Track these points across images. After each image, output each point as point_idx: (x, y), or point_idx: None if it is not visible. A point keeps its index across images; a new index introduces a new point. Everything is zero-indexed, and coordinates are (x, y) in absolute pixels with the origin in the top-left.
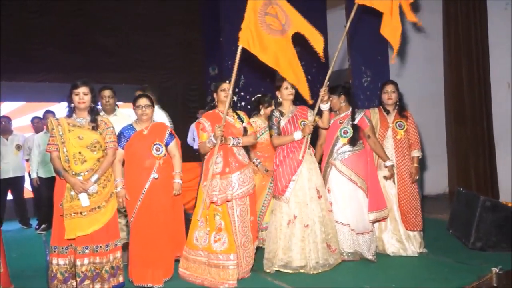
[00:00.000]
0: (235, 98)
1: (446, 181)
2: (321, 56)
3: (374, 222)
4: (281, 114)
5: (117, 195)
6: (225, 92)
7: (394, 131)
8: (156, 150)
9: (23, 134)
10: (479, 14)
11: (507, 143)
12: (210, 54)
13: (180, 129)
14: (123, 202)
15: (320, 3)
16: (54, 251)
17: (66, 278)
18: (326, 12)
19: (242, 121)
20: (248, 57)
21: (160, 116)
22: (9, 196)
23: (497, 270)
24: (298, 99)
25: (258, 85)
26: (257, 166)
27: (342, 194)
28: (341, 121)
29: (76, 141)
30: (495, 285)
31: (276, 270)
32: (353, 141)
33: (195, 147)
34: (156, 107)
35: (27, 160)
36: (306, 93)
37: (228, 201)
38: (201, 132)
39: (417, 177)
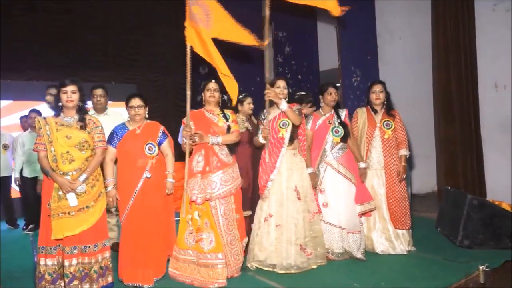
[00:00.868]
0: (226, 97)
1: (435, 180)
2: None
3: (361, 215)
4: (266, 113)
5: (107, 195)
6: (210, 92)
7: (381, 131)
8: (149, 149)
9: (10, 133)
10: (467, 15)
11: (495, 143)
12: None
13: (171, 128)
14: (113, 202)
15: None
16: (42, 252)
17: (54, 279)
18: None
19: (227, 119)
20: (238, 56)
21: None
22: None
23: (484, 268)
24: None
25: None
26: None
27: (336, 194)
28: (329, 121)
29: (64, 141)
30: (482, 282)
31: (255, 266)
32: (345, 139)
33: None
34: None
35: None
36: (234, 94)
37: (208, 200)
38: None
39: (405, 176)
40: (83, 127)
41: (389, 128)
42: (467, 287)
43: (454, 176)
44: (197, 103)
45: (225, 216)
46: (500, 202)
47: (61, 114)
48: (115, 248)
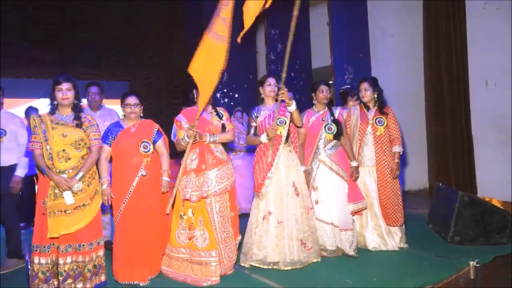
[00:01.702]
0: (218, 95)
1: (426, 177)
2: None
3: (353, 213)
4: (259, 111)
5: (102, 193)
6: None
7: (374, 128)
8: (144, 147)
9: None
10: (458, 14)
11: (485, 140)
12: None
13: (164, 126)
14: (108, 200)
15: (303, 1)
16: (36, 250)
17: (47, 277)
18: (309, 9)
19: (220, 117)
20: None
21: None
22: None
23: (475, 264)
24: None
25: (241, 82)
26: None
27: (329, 191)
28: (323, 118)
29: (59, 139)
30: (472, 278)
31: (251, 265)
32: (337, 136)
33: None
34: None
35: None
36: (202, 103)
37: (204, 198)
38: (178, 130)
39: (398, 172)
40: (79, 125)
41: (381, 125)
42: (458, 283)
43: (446, 173)
44: (190, 101)
45: (220, 213)
46: (490, 198)
47: (56, 112)
48: (107, 246)
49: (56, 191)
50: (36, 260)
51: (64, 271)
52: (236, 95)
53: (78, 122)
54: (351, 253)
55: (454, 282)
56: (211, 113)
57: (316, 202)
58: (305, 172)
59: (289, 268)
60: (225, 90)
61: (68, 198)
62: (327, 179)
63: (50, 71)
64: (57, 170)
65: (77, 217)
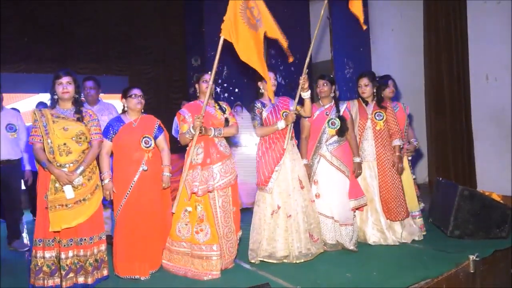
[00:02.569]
0: (218, 89)
1: (426, 171)
2: (289, 57)
3: (354, 209)
4: (263, 105)
5: (104, 188)
6: (206, 83)
7: (373, 122)
8: (145, 143)
9: None
10: (459, 8)
11: (485, 134)
12: (192, 44)
13: (164, 121)
14: (110, 194)
15: None
16: (39, 244)
17: (53, 271)
18: (309, 3)
19: (223, 112)
20: (231, 48)
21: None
22: None
23: (474, 257)
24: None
25: (241, 76)
26: None
27: (329, 186)
28: (327, 113)
29: (60, 133)
30: (472, 271)
31: (261, 261)
32: (341, 132)
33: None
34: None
35: None
36: (269, 90)
37: (210, 192)
38: (182, 123)
39: (401, 166)
40: (79, 119)
41: (380, 119)
42: (458, 277)
43: (446, 167)
44: (191, 96)
45: (223, 208)
46: (490, 192)
47: (57, 106)
48: (108, 241)
49: (57, 185)
50: (39, 254)
51: (66, 265)
52: (236, 90)
53: (79, 116)
54: (351, 247)
55: (454, 276)
56: (215, 107)
57: (317, 196)
58: (307, 165)
59: (301, 260)
60: (225, 85)
61: (69, 192)
62: (328, 174)
63: (50, 66)
64: (58, 164)
65: (78, 211)
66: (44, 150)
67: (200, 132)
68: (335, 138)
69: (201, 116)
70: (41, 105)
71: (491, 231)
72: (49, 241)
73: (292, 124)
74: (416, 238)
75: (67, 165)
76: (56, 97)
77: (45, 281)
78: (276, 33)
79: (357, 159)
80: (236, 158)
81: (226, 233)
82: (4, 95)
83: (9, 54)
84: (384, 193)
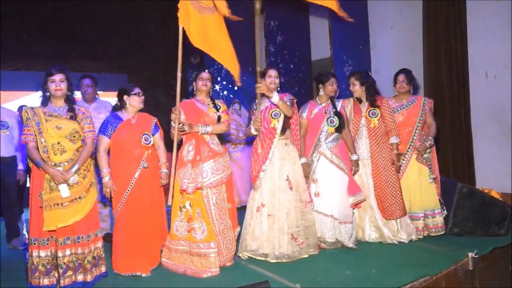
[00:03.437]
0: (217, 87)
1: None
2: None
3: (353, 206)
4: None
5: (104, 186)
6: (203, 81)
7: (367, 120)
8: (145, 139)
9: None
10: (458, 5)
11: (485, 132)
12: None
13: (162, 119)
14: (111, 192)
15: None
16: (34, 244)
17: (48, 270)
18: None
19: (217, 109)
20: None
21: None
22: None
23: (473, 255)
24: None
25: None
26: None
27: (329, 184)
28: (325, 111)
29: (54, 131)
30: (471, 269)
31: (247, 256)
32: (339, 129)
33: None
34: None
35: None
36: (235, 73)
37: (199, 189)
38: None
39: (399, 164)
40: (73, 117)
41: (375, 117)
42: (457, 274)
43: (445, 165)
44: (191, 94)
45: (217, 205)
46: (489, 190)
47: (49, 104)
48: (107, 239)
49: (52, 184)
50: (35, 253)
51: (64, 263)
52: (236, 88)
53: (72, 114)
54: (350, 245)
55: (453, 273)
56: (208, 105)
57: (316, 194)
58: (306, 164)
59: (275, 261)
60: (224, 83)
61: (64, 191)
62: (328, 172)
63: (48, 63)
64: (53, 163)
65: (74, 210)
66: (38, 149)
67: (183, 129)
68: (334, 135)
69: (177, 110)
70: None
71: (490, 229)
72: (43, 240)
73: (281, 124)
74: (414, 237)
75: (61, 164)
76: (48, 94)
77: (41, 280)
78: (224, 9)
79: (355, 157)
80: (234, 156)
81: (222, 230)
82: (3, 92)
83: (8, 52)
84: (378, 191)
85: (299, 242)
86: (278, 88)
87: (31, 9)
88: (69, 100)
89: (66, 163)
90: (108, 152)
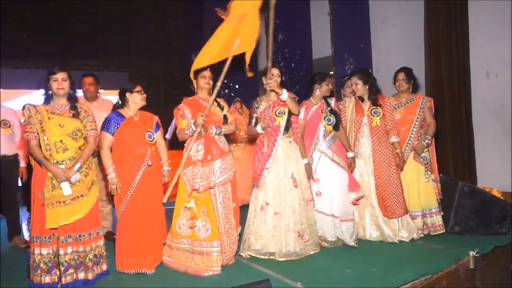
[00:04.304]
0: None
1: None
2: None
3: (354, 202)
4: (260, 102)
5: (110, 183)
6: (205, 79)
7: (369, 119)
8: (149, 137)
9: None
10: (460, 4)
11: (486, 130)
12: (192, 40)
13: (163, 117)
14: (117, 189)
15: None
16: (36, 241)
17: (49, 267)
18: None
19: (222, 109)
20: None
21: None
22: None
23: (474, 253)
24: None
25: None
26: None
27: (331, 182)
28: (322, 110)
29: (56, 129)
30: (472, 267)
31: (250, 255)
32: (336, 127)
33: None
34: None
35: None
36: (247, 59)
37: (211, 188)
38: (180, 119)
39: (401, 162)
40: (75, 115)
41: (377, 116)
42: (457, 273)
43: (445, 164)
44: (183, 92)
45: (223, 204)
46: (490, 189)
47: (51, 102)
48: (108, 237)
49: (54, 182)
50: (36, 251)
51: (65, 261)
52: (237, 86)
53: (75, 112)
54: (351, 243)
55: (454, 272)
56: (213, 104)
57: (318, 194)
58: (308, 165)
59: (284, 259)
60: (225, 81)
61: (66, 189)
62: (329, 170)
63: (49, 62)
64: (55, 161)
65: (76, 208)
66: (40, 147)
67: (199, 133)
68: (332, 134)
69: (205, 115)
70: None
71: (491, 227)
72: (45, 238)
73: (285, 121)
74: (415, 236)
75: (64, 162)
76: (50, 92)
77: (42, 278)
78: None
79: (351, 154)
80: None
81: (227, 229)
82: (3, 91)
83: (8, 50)
84: (380, 190)
85: (305, 239)
86: (265, 86)
87: (32, 8)
88: (72, 98)
89: (68, 161)
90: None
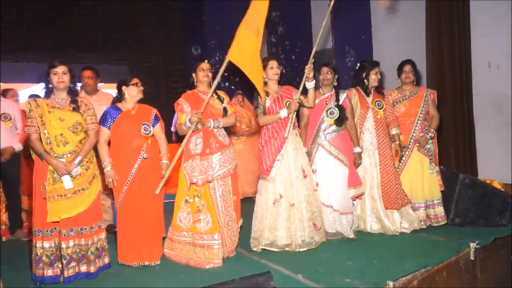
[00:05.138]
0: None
1: None
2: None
3: (354, 198)
4: (267, 94)
5: (106, 176)
6: (204, 72)
7: (374, 111)
8: (145, 129)
9: None
10: None
11: (487, 122)
12: (192, 33)
13: (163, 110)
14: (113, 182)
15: None
16: (38, 235)
17: (52, 260)
18: None
19: (222, 101)
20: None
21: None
22: None
23: (475, 245)
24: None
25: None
26: None
27: (328, 175)
28: (326, 102)
29: (57, 123)
30: (472, 259)
31: (262, 249)
32: (339, 122)
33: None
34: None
35: None
36: (260, 91)
37: (209, 182)
38: (180, 114)
39: (402, 154)
40: (75, 109)
41: (380, 108)
42: (458, 264)
43: (446, 155)
44: (184, 85)
45: (223, 197)
46: (491, 180)
47: (51, 96)
48: (109, 230)
49: (55, 175)
50: (38, 245)
51: (67, 254)
52: (237, 79)
53: (75, 106)
54: (351, 236)
55: (454, 263)
56: (213, 96)
57: (316, 185)
58: (306, 153)
59: (304, 249)
60: (225, 74)
61: (67, 182)
62: (326, 163)
63: (49, 55)
64: (56, 155)
65: (77, 201)
66: (40, 140)
67: (196, 128)
68: (334, 127)
69: (200, 113)
70: (34, 97)
71: (491, 219)
72: (47, 231)
73: (294, 113)
74: (416, 226)
75: (64, 156)
76: (50, 86)
77: (45, 271)
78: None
79: (357, 149)
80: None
81: (227, 222)
82: (3, 85)
83: (8, 44)
84: (385, 182)
85: (317, 228)
86: (278, 79)
87: (32, 1)
88: (72, 92)
89: (69, 155)
90: (109, 144)
